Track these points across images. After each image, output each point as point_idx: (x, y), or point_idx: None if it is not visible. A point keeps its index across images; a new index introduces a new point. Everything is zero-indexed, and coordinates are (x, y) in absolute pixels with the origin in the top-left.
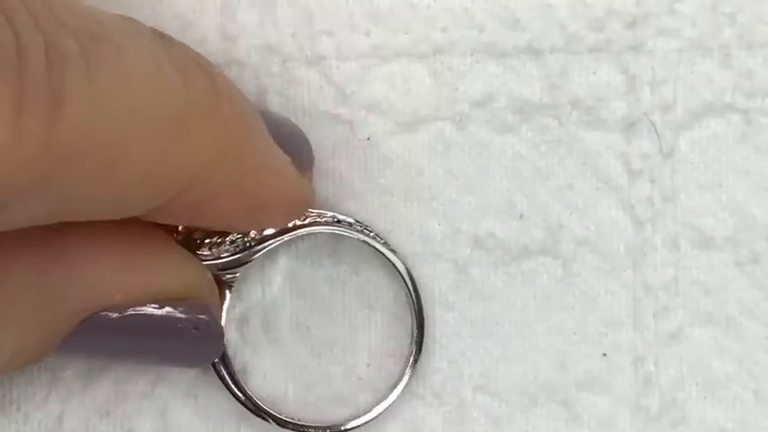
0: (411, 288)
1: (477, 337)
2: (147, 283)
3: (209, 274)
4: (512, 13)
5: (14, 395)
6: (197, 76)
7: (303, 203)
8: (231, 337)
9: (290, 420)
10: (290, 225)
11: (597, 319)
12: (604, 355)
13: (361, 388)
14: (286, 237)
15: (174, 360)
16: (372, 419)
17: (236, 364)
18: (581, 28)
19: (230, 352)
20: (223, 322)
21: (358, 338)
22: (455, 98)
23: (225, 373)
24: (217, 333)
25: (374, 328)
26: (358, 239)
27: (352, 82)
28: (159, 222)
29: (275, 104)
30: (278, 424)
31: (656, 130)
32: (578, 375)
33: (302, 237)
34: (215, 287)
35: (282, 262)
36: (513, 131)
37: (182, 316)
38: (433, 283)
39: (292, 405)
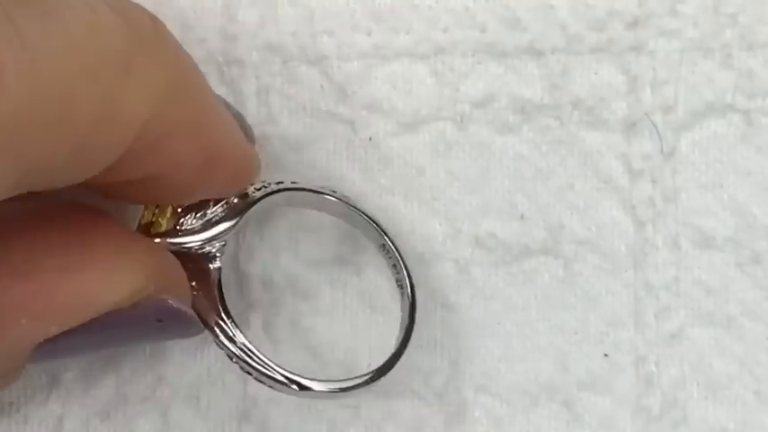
0: (390, 243)
1: (478, 337)
2: (86, 302)
3: (167, 259)
4: (513, 13)
5: (14, 396)
6: (138, 16)
7: (252, 166)
8: None
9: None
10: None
11: (598, 319)
12: (606, 355)
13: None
14: (269, 197)
15: (153, 342)
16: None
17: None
18: (582, 28)
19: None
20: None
21: (359, 339)
22: (456, 98)
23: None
24: (184, 317)
25: (375, 329)
26: (337, 200)
27: (354, 82)
28: (120, 190)
29: (276, 104)
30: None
31: (657, 131)
32: (579, 375)
33: (304, 237)
34: (179, 272)
35: (283, 262)
36: (514, 132)
37: (139, 313)
38: (435, 283)
39: (292, 405)
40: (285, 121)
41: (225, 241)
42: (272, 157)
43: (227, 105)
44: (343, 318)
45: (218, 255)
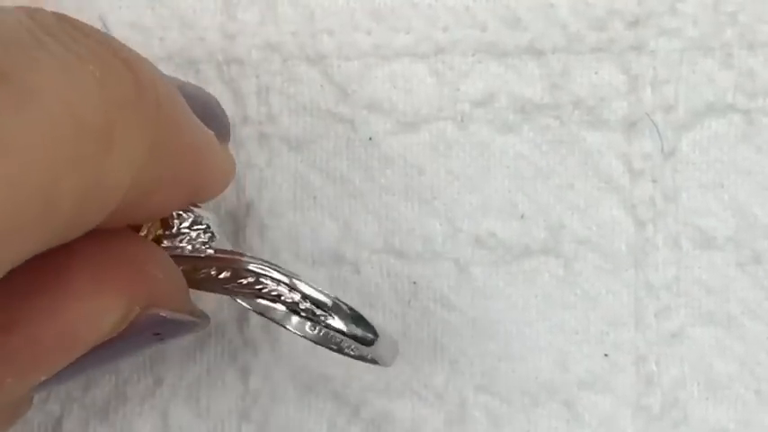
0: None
1: (478, 337)
2: (70, 344)
3: (156, 265)
4: (513, 12)
5: None
6: (116, 72)
7: (229, 176)
8: (232, 337)
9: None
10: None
11: (599, 318)
12: (606, 354)
13: (361, 388)
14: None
15: (155, 346)
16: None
17: (237, 365)
18: (582, 28)
19: (231, 352)
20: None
21: None
22: (456, 98)
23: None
24: (182, 325)
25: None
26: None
27: (354, 81)
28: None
29: (276, 103)
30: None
31: (657, 130)
32: (580, 375)
33: (303, 236)
34: (172, 274)
35: (283, 261)
36: (514, 131)
37: (133, 332)
38: (435, 283)
39: (292, 405)
40: (285, 120)
41: (207, 228)
42: (271, 156)
43: (200, 94)
44: None
45: (208, 241)
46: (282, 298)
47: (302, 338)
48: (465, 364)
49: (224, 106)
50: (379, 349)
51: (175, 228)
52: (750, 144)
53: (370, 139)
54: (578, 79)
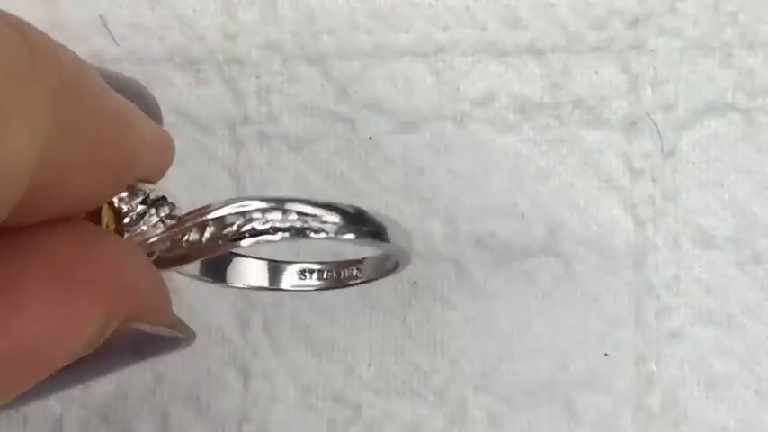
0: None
1: (478, 337)
2: (37, 364)
3: (135, 270)
4: (513, 12)
5: None
6: (6, 41)
7: (168, 150)
8: (232, 337)
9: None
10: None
11: (599, 318)
12: (606, 354)
13: (362, 387)
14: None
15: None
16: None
17: (237, 365)
18: (582, 27)
19: (231, 352)
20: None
21: (359, 338)
22: (456, 97)
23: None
24: (166, 341)
25: (375, 328)
26: None
27: (354, 81)
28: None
29: (276, 103)
30: None
31: (657, 130)
32: (580, 375)
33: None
34: (153, 280)
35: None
36: (514, 131)
37: (110, 348)
38: (435, 283)
39: (292, 405)
40: (285, 120)
41: (164, 199)
42: (272, 156)
43: (124, 83)
44: (344, 317)
45: (171, 212)
46: (279, 227)
47: (301, 338)
48: (465, 363)
49: (224, 106)
50: (397, 241)
51: (131, 214)
52: (750, 143)
53: (371, 138)
54: (578, 79)
